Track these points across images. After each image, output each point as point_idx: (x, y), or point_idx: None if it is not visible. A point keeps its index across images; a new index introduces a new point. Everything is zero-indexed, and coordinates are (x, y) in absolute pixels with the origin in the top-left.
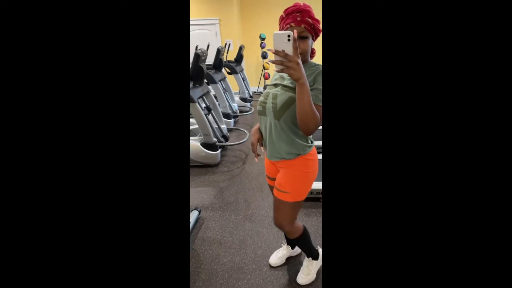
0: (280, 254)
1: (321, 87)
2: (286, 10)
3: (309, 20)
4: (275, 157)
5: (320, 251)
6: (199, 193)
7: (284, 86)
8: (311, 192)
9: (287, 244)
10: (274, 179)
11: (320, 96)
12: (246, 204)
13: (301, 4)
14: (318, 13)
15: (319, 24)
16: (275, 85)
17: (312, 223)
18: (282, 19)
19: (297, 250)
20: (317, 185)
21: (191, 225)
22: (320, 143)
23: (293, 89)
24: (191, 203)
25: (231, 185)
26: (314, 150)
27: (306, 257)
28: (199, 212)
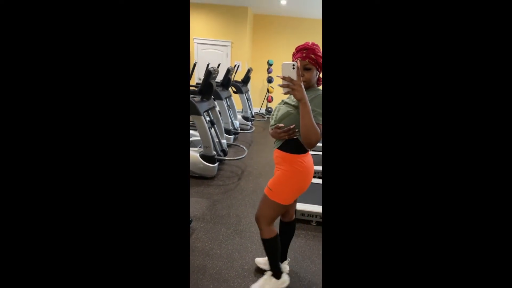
0: (261, 283)
1: (316, 109)
2: (297, 47)
3: (312, 56)
4: (277, 144)
5: (285, 275)
6: (192, 204)
7: (286, 103)
8: (302, 214)
9: (271, 275)
10: None
11: (319, 117)
12: (237, 218)
13: (309, 44)
14: None
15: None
16: (282, 103)
17: (300, 244)
18: (293, 54)
19: (284, 281)
20: (306, 207)
21: None
22: (320, 168)
23: (291, 106)
24: None
25: (225, 199)
26: (305, 157)
27: (269, 271)
28: (191, 221)
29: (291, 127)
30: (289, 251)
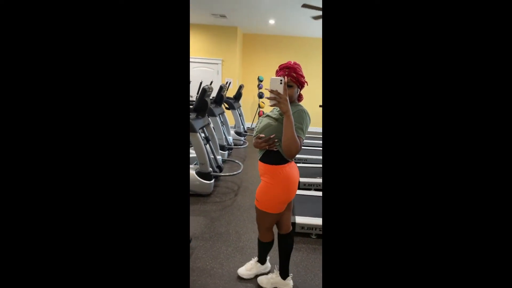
0: (248, 266)
1: (297, 123)
2: (280, 65)
3: (294, 74)
4: (259, 155)
5: (268, 263)
6: (190, 222)
7: (268, 116)
8: (302, 227)
9: (257, 261)
10: None
11: (299, 130)
12: (237, 235)
13: (291, 63)
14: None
15: (303, 78)
16: (264, 115)
17: (301, 258)
18: (277, 71)
19: (267, 267)
20: (305, 220)
21: None
22: (319, 180)
23: (273, 119)
24: None
25: (223, 216)
26: (287, 167)
27: (278, 272)
28: (190, 240)
29: (271, 136)
30: (290, 264)
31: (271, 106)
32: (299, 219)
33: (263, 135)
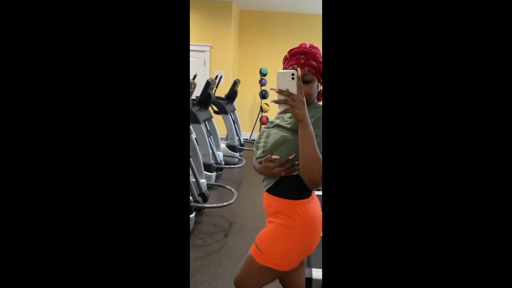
0: None
1: (321, 134)
2: (290, 50)
3: (313, 63)
4: (267, 185)
5: None
6: None
7: (279, 126)
8: (319, 284)
9: None
10: None
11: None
12: None
13: (307, 46)
14: None
15: None
16: (272, 124)
17: None
18: (285, 59)
19: None
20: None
21: None
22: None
23: (288, 130)
24: None
25: (206, 267)
26: (310, 203)
27: None
28: None
29: (290, 157)
30: None
31: (281, 113)
32: (318, 273)
33: (276, 156)
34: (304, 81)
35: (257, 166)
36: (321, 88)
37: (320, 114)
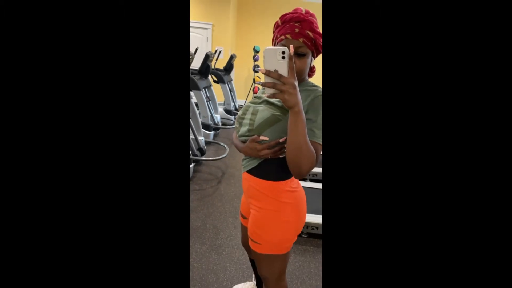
0: (247, 286)
1: (317, 119)
2: (283, 16)
3: (309, 33)
4: (249, 165)
5: None
6: None
7: (268, 102)
8: (306, 226)
9: (256, 284)
10: (247, 219)
11: (317, 131)
12: (215, 231)
13: (303, 12)
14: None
15: (321, 38)
16: (259, 99)
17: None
18: (277, 27)
19: None
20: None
21: None
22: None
23: (279, 108)
24: None
25: (201, 207)
26: (294, 181)
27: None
28: None
29: (281, 140)
30: None
31: (269, 97)
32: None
33: (265, 138)
34: (297, 53)
35: (240, 145)
36: (312, 63)
37: (314, 95)
